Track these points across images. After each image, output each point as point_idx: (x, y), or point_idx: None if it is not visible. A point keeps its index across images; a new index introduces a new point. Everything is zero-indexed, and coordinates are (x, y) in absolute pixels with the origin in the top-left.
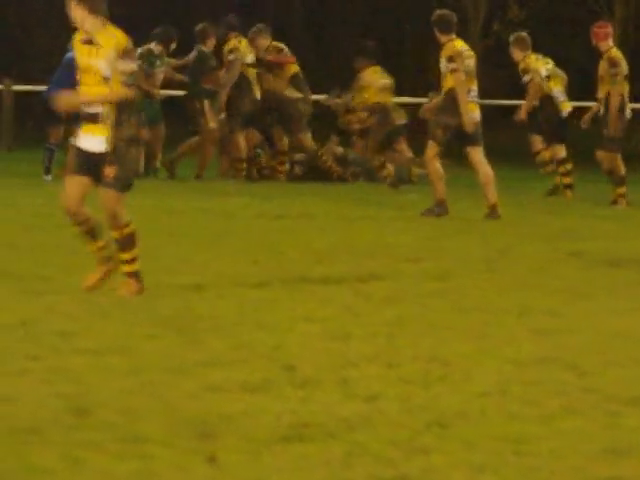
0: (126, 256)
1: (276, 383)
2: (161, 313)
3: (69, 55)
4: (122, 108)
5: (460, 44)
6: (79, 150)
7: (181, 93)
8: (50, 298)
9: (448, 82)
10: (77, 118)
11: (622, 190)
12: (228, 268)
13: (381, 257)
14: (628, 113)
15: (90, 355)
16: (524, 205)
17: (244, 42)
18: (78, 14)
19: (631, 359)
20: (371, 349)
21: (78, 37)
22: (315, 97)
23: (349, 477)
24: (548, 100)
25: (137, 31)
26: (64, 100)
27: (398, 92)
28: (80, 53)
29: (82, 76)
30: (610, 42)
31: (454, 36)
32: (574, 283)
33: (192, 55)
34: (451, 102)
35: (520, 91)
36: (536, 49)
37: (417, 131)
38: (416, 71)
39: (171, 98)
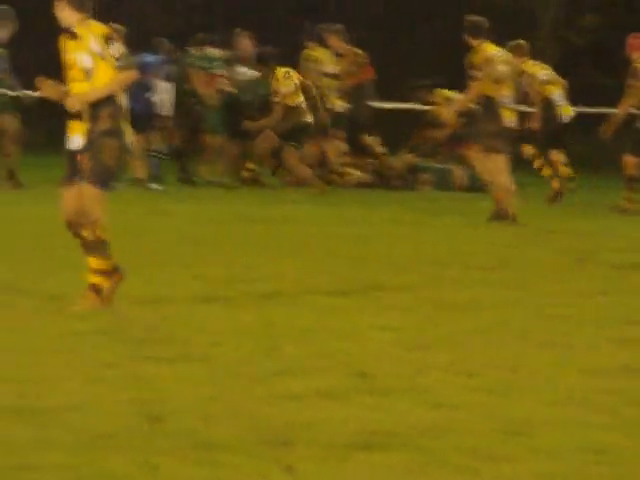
0: (94, 264)
1: (353, 391)
2: (237, 320)
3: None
4: (101, 103)
5: (492, 49)
6: (68, 153)
7: None
8: (126, 306)
9: (481, 88)
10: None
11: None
12: (305, 276)
13: (456, 265)
14: None
15: (166, 362)
16: (604, 214)
17: (321, 52)
18: (66, 14)
19: None
20: (447, 357)
21: (64, 35)
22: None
23: None
24: (547, 104)
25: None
26: (74, 100)
27: None
28: (66, 50)
29: (68, 72)
30: None
31: (485, 40)
32: None
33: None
34: (486, 109)
35: (598, 98)
36: (611, 57)
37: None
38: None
39: None
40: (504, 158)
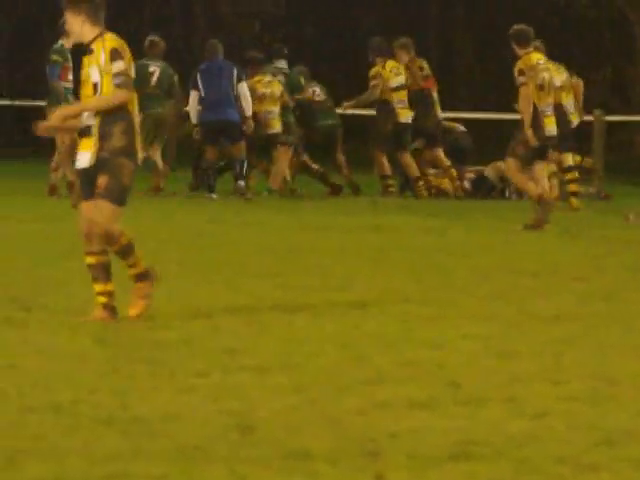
0: (129, 265)
1: (442, 400)
2: (326, 330)
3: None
4: (112, 119)
5: (536, 57)
6: (79, 172)
7: None
8: (215, 315)
9: (519, 97)
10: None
11: None
12: (392, 285)
13: (545, 275)
14: None
15: (256, 372)
16: None
17: (389, 66)
18: (85, 30)
19: None
20: (537, 367)
21: (79, 52)
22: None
23: None
24: (559, 110)
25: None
26: (54, 117)
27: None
28: (81, 66)
29: (82, 89)
30: None
31: (531, 49)
32: None
33: None
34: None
35: None
36: None
37: None
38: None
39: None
40: (540, 167)
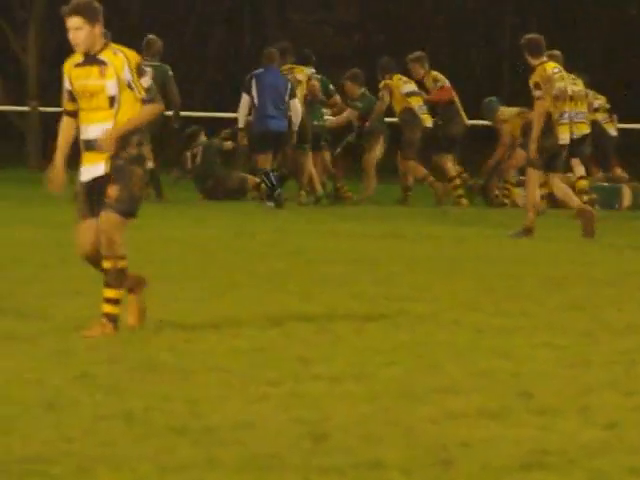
0: (111, 294)
1: (514, 410)
2: (399, 339)
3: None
4: (129, 130)
5: (551, 67)
6: (83, 186)
7: None
8: (288, 324)
9: (545, 108)
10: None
11: None
12: (464, 295)
13: (620, 285)
14: None
15: (328, 381)
16: None
17: (396, 78)
18: (94, 40)
19: None
20: (610, 376)
21: (72, 62)
22: None
23: None
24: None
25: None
26: (109, 140)
27: None
28: (83, 77)
29: (84, 100)
30: None
31: (545, 59)
32: None
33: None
34: (544, 123)
35: None
36: None
37: None
38: None
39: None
40: (539, 175)
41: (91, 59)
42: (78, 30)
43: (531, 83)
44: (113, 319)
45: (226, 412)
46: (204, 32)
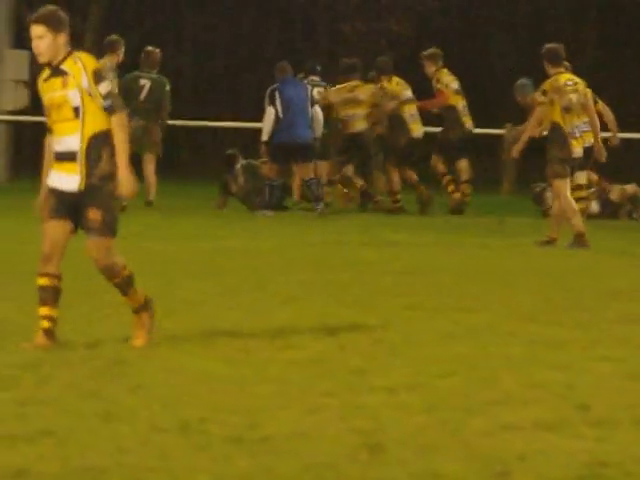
0: (130, 301)
1: (570, 422)
2: (454, 351)
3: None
4: (99, 142)
5: (565, 78)
6: (53, 191)
7: None
8: (344, 335)
9: (551, 115)
10: None
11: None
12: (520, 305)
13: None
14: None
15: (384, 392)
16: None
17: (394, 81)
18: (58, 48)
19: None
20: None
21: (41, 77)
22: None
23: None
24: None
25: None
26: (130, 187)
27: None
28: (50, 89)
29: (53, 113)
30: None
31: (562, 69)
32: None
33: None
34: (557, 135)
35: None
36: None
37: None
38: None
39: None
40: (567, 183)
41: (55, 70)
42: (40, 39)
43: (540, 89)
44: (151, 314)
45: (282, 423)
46: (257, 43)
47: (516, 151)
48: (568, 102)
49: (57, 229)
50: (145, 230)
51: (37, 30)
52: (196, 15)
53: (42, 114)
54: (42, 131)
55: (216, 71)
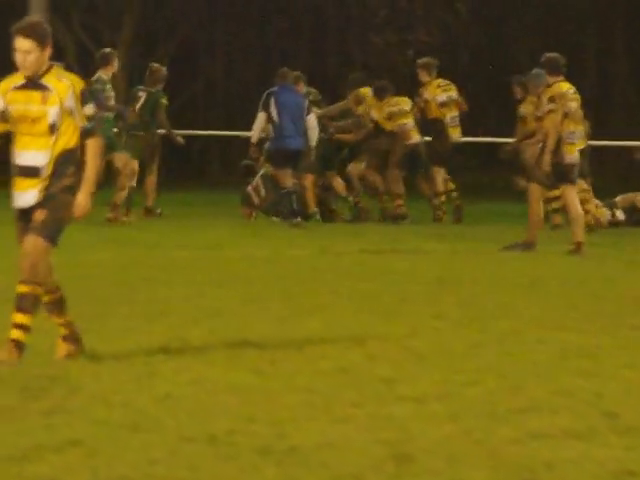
0: (23, 320)
1: (599, 430)
2: (482, 359)
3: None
4: (66, 159)
5: (566, 86)
6: (18, 212)
7: None
8: (371, 344)
9: (546, 122)
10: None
11: None
12: (547, 313)
13: None
14: None
15: (411, 402)
16: None
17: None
18: (34, 57)
19: None
20: None
21: (11, 83)
22: None
23: None
24: None
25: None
26: (83, 206)
27: None
28: (24, 101)
29: (24, 126)
30: None
31: (562, 77)
32: None
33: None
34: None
35: None
36: None
37: None
38: None
39: None
40: (571, 190)
41: (33, 83)
42: (28, 53)
43: (546, 97)
44: (21, 346)
45: (310, 433)
46: (288, 54)
47: (546, 165)
48: (569, 109)
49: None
50: (172, 239)
51: (24, 44)
52: (228, 26)
53: None
54: None
55: (248, 82)
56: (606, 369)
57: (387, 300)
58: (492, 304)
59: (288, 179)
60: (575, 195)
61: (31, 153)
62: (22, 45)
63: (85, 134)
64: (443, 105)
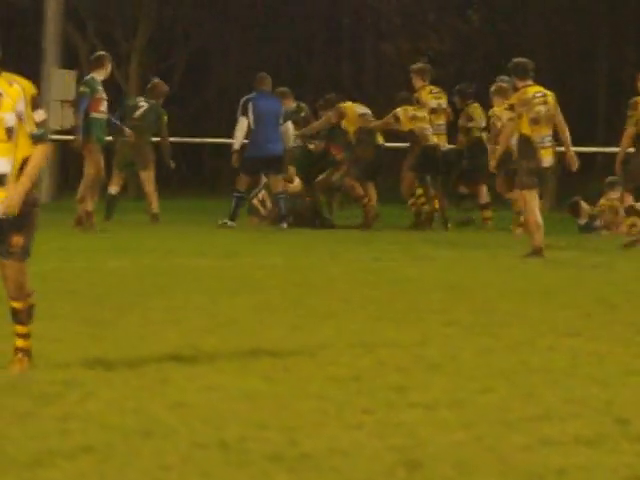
0: (24, 330)
1: (610, 437)
2: (494, 366)
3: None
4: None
5: (533, 90)
6: None
7: None
8: (382, 351)
9: (519, 127)
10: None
11: None
12: (560, 320)
13: None
14: None
15: (422, 409)
16: None
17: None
18: None
19: None
20: None
21: None
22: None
23: None
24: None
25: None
26: (13, 206)
27: None
28: None
29: None
30: None
31: (530, 82)
32: None
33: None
34: (525, 146)
35: None
36: None
37: None
38: None
39: None
40: (535, 195)
41: None
42: None
43: (507, 104)
44: (28, 353)
45: (321, 439)
46: (303, 62)
47: (492, 167)
48: (536, 114)
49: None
50: (184, 246)
51: None
52: (241, 35)
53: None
54: None
55: None
56: (618, 377)
57: (398, 307)
58: (503, 311)
59: (245, 184)
60: (537, 200)
61: None
62: None
63: (33, 140)
64: (433, 112)
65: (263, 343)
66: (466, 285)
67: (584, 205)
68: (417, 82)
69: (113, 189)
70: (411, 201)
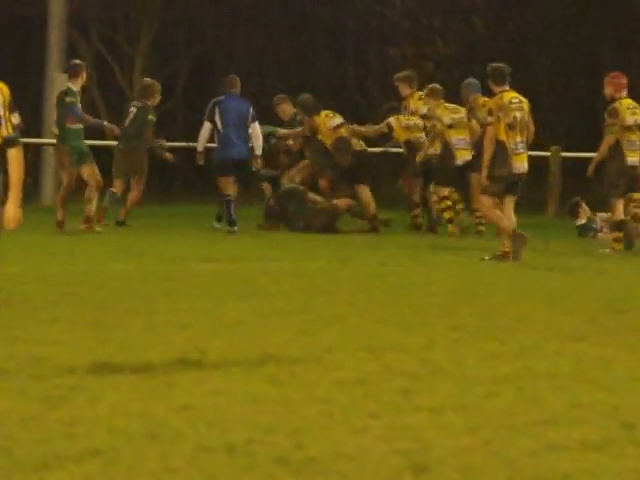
0: None
1: (616, 442)
2: (500, 371)
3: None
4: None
5: (509, 96)
6: None
7: None
8: (389, 356)
9: (497, 133)
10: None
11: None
12: (566, 326)
13: None
14: (629, 161)
15: (428, 413)
16: None
17: (323, 113)
18: None
19: None
20: None
21: None
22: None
23: None
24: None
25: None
26: (15, 218)
27: None
28: None
29: None
30: (622, 93)
31: (507, 87)
32: None
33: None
34: (498, 152)
35: None
36: None
37: None
38: None
39: None
40: (509, 201)
41: None
42: None
43: (485, 109)
44: None
45: (328, 443)
46: (308, 67)
47: (484, 178)
48: (512, 120)
49: None
50: (190, 250)
51: None
52: (245, 39)
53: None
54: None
55: (266, 96)
56: (624, 382)
57: (404, 312)
58: (509, 316)
59: (230, 187)
60: (513, 206)
61: None
62: None
63: (7, 143)
64: (424, 118)
65: (269, 347)
66: (472, 290)
67: (584, 207)
68: (404, 90)
69: (117, 190)
70: (415, 212)
